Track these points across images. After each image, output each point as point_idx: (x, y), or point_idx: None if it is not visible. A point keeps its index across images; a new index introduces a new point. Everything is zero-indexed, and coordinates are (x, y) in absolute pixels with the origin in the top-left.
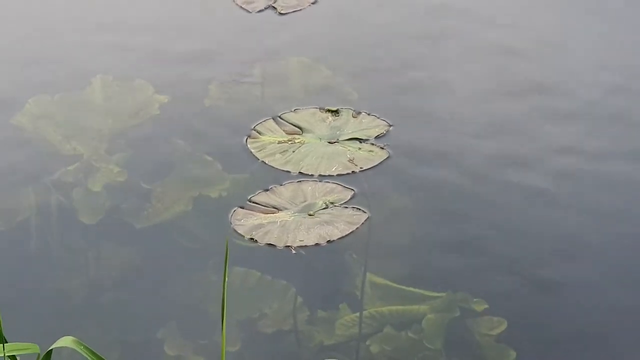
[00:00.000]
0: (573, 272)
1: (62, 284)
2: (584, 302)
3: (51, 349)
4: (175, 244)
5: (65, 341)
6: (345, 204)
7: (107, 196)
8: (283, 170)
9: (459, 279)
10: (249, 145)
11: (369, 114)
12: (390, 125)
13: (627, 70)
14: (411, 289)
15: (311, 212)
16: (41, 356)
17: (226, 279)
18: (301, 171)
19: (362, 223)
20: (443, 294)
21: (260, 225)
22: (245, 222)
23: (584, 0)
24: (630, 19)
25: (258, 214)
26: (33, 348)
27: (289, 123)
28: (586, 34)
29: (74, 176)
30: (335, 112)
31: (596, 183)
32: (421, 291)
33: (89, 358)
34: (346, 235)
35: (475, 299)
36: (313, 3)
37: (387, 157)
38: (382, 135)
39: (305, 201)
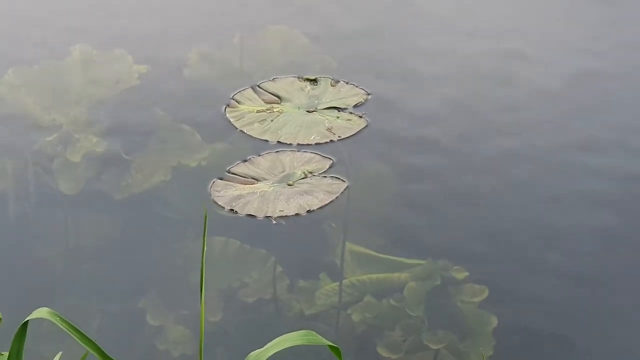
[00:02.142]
0: (555, 239)
1: (41, 254)
2: (566, 270)
3: (27, 321)
4: (155, 214)
5: (41, 312)
6: (324, 173)
7: (86, 166)
8: (261, 140)
9: (440, 247)
10: (227, 115)
11: (347, 83)
12: (368, 94)
13: None
14: (391, 257)
15: (290, 182)
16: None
17: (205, 248)
18: (280, 140)
19: (342, 192)
20: (424, 262)
21: (240, 196)
22: (224, 193)
23: None
24: None
25: (237, 184)
26: None
27: (268, 92)
28: None
29: (53, 147)
30: (314, 81)
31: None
32: (402, 259)
33: (65, 329)
34: (326, 205)
35: (455, 267)
36: None
37: (366, 126)
38: (361, 104)
39: (283, 171)
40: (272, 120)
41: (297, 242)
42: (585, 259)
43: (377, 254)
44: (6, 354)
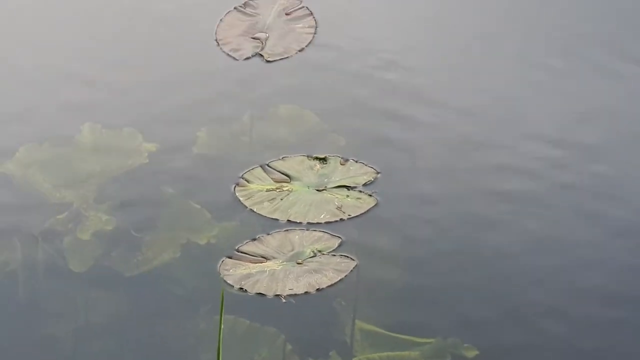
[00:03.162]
0: (565, 318)
1: (51, 332)
2: (577, 349)
3: None
4: (164, 292)
5: None
6: (333, 252)
7: (96, 244)
8: (271, 218)
9: (449, 325)
10: (237, 194)
11: (356, 161)
12: (378, 173)
13: None
14: (401, 335)
15: (299, 261)
16: None
17: (222, 327)
18: (289, 219)
19: (351, 270)
20: (433, 340)
21: (249, 275)
22: (234, 271)
23: None
24: None
25: (246, 263)
26: None
27: (277, 171)
28: None
29: (63, 225)
30: (323, 160)
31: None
32: (411, 337)
33: None
34: (335, 283)
35: (465, 345)
36: (300, 51)
37: (375, 205)
38: (370, 183)
39: (292, 250)
40: (281, 199)
41: (306, 320)
42: (595, 334)
43: (387, 332)
44: None
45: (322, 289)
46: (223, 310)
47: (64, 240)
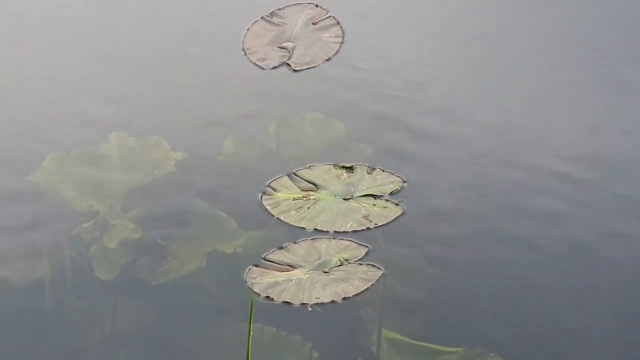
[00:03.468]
0: (589, 325)
1: (77, 341)
2: (603, 354)
3: None
4: (191, 301)
5: None
6: (360, 261)
7: (122, 253)
8: (298, 227)
9: (475, 334)
10: (263, 202)
11: (383, 170)
12: (404, 182)
13: None
14: (427, 344)
15: (326, 270)
16: None
17: (251, 334)
18: (316, 228)
19: (377, 279)
20: (459, 349)
21: (276, 283)
22: (260, 280)
23: None
24: None
25: (273, 272)
26: None
27: (304, 180)
28: None
29: (89, 233)
30: (350, 169)
31: None
32: (437, 346)
33: None
34: (361, 292)
35: (492, 354)
36: (326, 60)
37: (402, 214)
38: (397, 192)
39: (319, 258)
40: (308, 208)
41: (333, 328)
42: (620, 346)
43: (413, 341)
44: None
45: (349, 297)
46: (252, 319)
47: (90, 249)
